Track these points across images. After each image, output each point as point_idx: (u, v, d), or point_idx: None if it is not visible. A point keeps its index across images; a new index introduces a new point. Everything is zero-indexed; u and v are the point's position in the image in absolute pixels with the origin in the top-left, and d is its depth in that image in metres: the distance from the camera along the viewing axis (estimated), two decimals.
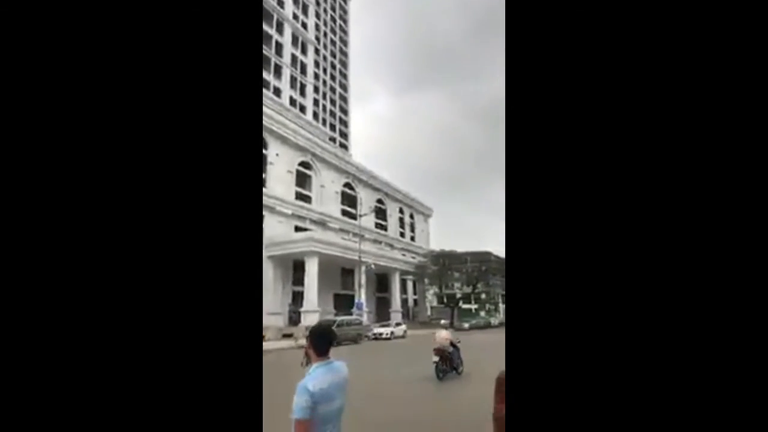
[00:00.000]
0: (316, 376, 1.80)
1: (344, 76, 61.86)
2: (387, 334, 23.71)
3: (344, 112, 60.59)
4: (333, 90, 58.17)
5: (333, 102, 57.68)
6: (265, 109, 31.04)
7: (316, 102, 51.83)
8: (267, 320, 24.62)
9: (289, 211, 31.45)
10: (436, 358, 8.40)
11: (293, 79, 46.05)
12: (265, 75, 40.49)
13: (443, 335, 8.86)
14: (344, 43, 62.53)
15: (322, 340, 1.90)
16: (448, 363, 8.49)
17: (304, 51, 48.33)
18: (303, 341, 18.22)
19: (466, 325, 32.93)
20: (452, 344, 8.77)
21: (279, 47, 43.51)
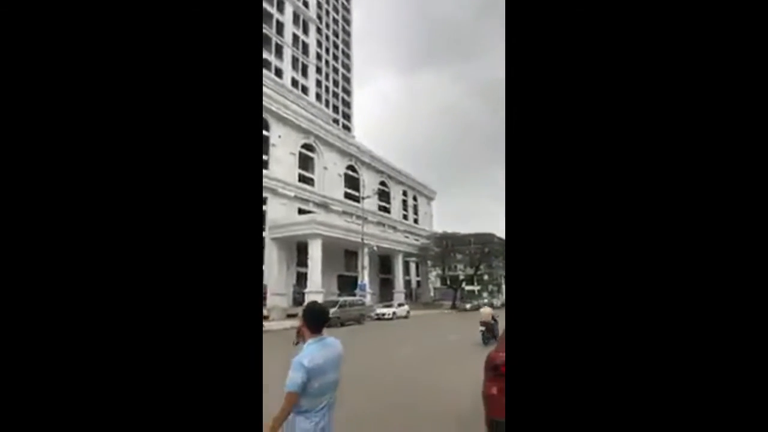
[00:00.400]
0: (311, 352, 1.88)
1: (347, 55, 60.86)
2: (389, 314, 24.05)
3: (347, 92, 59.87)
4: (336, 70, 57.33)
5: (336, 83, 56.93)
6: (266, 90, 30.73)
7: (318, 83, 51.19)
8: (272, 300, 25.03)
9: (292, 194, 31.47)
10: (482, 328, 11.24)
11: (295, 60, 45.38)
12: (266, 55, 39.92)
13: (487, 311, 11.69)
14: (347, 21, 61.26)
15: (315, 318, 1.97)
16: (491, 332, 11.13)
17: (305, 30, 47.44)
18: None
19: (468, 306, 33.27)
20: (493, 318, 11.50)
21: (280, 26, 42.73)
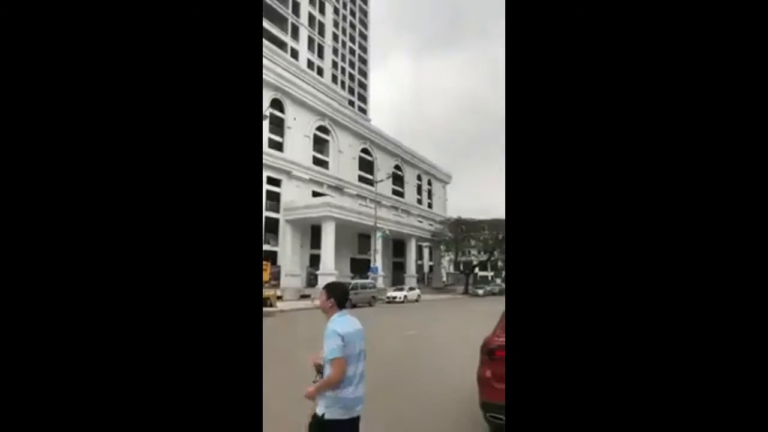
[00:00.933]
0: (341, 322, 2.02)
1: (364, 37, 59.92)
2: (400, 297, 24.30)
3: (363, 74, 59.19)
4: (352, 52, 56.61)
5: (352, 64, 56.29)
6: (282, 71, 30.65)
7: (334, 64, 50.70)
8: (285, 281, 25.52)
9: (307, 176, 31.66)
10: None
11: (311, 41, 44.92)
12: (281, 36, 39.64)
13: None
14: (364, 1, 60.06)
15: (340, 295, 2.11)
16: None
17: (322, 10, 46.76)
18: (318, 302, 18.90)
19: (480, 292, 33.31)
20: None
21: (296, 6, 42.20)
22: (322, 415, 1.93)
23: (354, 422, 1.99)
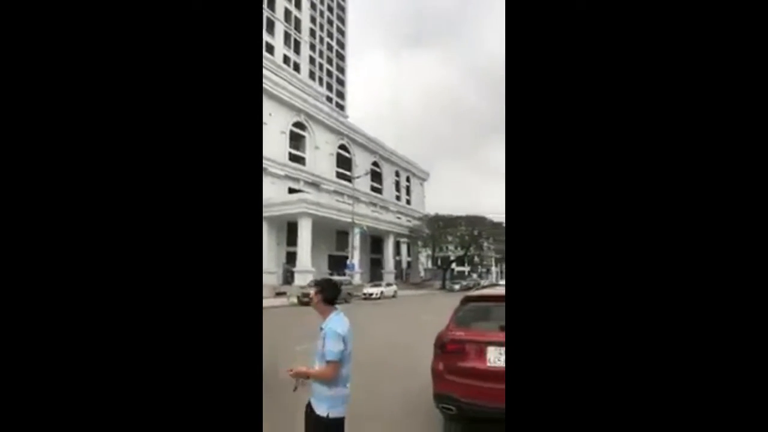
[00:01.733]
0: (338, 322, 2.04)
1: (341, 32, 59.41)
2: (377, 294, 24.34)
3: (341, 70, 58.76)
4: (330, 48, 56.04)
5: (329, 60, 55.76)
6: None
7: (311, 60, 50.10)
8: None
9: (282, 173, 31.28)
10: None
11: (287, 36, 44.25)
12: None
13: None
14: None
15: (331, 291, 2.12)
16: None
17: (298, 5, 46.10)
18: (294, 299, 18.84)
19: (456, 287, 33.71)
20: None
21: (271, 1, 41.47)
22: (327, 415, 1.96)
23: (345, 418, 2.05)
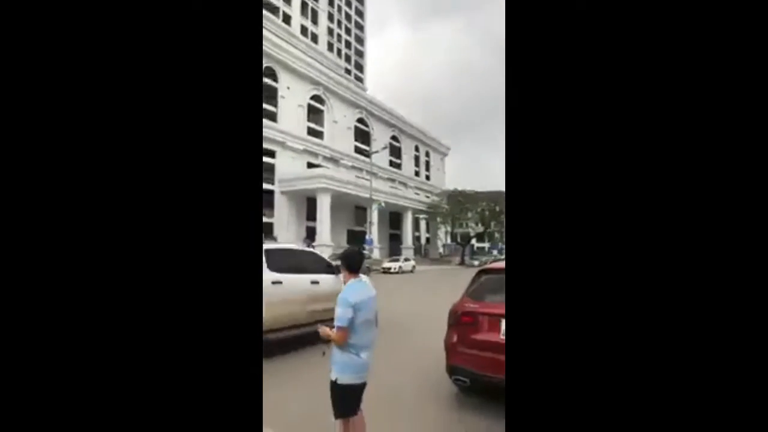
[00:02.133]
0: (353, 289, 2.10)
1: (360, 1, 57.65)
2: (395, 268, 24.68)
3: (360, 41, 57.41)
4: (348, 17, 54.61)
5: (348, 30, 54.47)
6: (274, 38, 29.67)
7: (329, 30, 49.07)
8: None
9: (301, 147, 31.27)
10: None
11: (304, 5, 43.29)
12: (273, 0, 38.12)
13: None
14: None
15: (352, 260, 2.21)
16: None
17: None
18: None
19: (476, 263, 33.67)
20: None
21: None
22: (335, 379, 2.05)
23: (362, 387, 2.11)
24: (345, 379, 2.04)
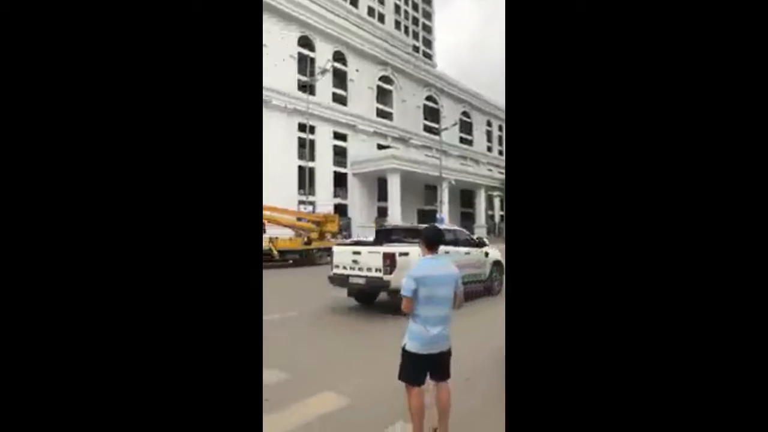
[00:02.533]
0: (422, 265, 2.24)
1: None
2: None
3: (428, 16, 55.75)
4: None
5: (416, 6, 53.15)
6: (342, 21, 30.17)
7: (396, 8, 48.33)
8: (358, 233, 26.83)
9: (371, 129, 31.80)
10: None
11: None
12: None
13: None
14: None
15: (428, 238, 2.30)
16: None
17: None
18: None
19: None
20: None
21: None
22: (404, 345, 2.20)
23: (432, 358, 2.16)
24: (411, 346, 2.15)
